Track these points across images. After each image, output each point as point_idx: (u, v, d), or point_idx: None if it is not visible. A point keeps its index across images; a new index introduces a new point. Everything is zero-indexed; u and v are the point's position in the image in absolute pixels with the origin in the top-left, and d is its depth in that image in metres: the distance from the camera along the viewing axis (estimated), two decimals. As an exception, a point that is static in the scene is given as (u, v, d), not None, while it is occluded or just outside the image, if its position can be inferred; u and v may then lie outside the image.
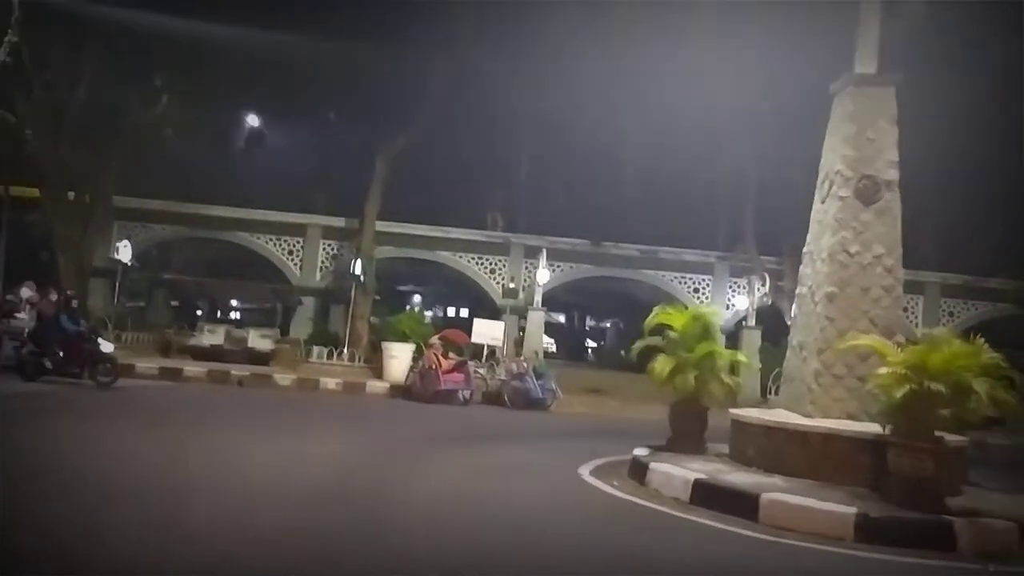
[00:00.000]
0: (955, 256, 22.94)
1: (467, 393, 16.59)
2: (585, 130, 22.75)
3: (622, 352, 37.81)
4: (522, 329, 22.89)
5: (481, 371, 17.96)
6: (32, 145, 18.99)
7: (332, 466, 7.83)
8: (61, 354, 13.07)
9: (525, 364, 17.18)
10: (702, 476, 7.26)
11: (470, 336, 18.82)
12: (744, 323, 20.94)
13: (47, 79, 18.99)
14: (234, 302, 26.52)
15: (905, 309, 23.23)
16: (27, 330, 14.05)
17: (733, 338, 23.83)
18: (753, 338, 20.60)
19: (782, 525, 6.28)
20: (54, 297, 14.71)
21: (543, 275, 20.96)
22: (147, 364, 16.96)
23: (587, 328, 46.92)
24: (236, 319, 26.18)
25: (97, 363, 13.20)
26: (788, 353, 9.08)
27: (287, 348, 20.46)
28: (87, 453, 7.48)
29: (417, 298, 41.37)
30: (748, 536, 6.10)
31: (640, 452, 8.50)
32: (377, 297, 28.60)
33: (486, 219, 24.47)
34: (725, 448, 8.89)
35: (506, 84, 20.45)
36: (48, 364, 13.01)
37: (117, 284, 20.09)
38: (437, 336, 17.28)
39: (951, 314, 23.34)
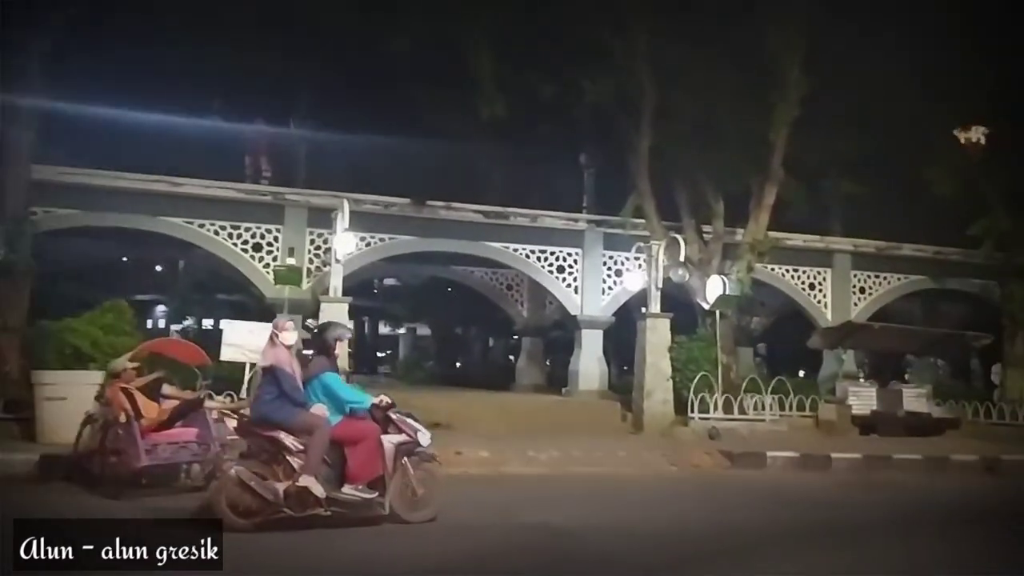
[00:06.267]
0: (864, 220, 18.30)
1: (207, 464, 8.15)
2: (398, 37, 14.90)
3: (425, 364, 30.48)
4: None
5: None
6: None
7: None
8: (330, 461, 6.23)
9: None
10: None
11: (209, 352, 10.21)
12: (645, 309, 14.34)
13: None
14: None
15: (811, 286, 18.33)
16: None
17: (621, 331, 17.38)
18: (660, 330, 14.04)
19: None
20: (289, 334, 6.69)
21: (344, 242, 12.71)
22: None
23: (379, 336, 39.93)
24: None
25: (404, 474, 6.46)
26: None
27: None
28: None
29: (161, 308, 31.06)
30: None
31: None
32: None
33: (243, 167, 15.59)
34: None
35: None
36: (317, 488, 6.04)
37: None
38: (129, 355, 8.41)
39: (862, 289, 18.68)
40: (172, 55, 14.31)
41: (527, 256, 16.68)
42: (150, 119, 14.32)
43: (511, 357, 26.59)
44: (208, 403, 8.33)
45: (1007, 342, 16.19)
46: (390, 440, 6.44)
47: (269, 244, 14.78)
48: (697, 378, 13.59)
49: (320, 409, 6.39)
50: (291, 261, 13.45)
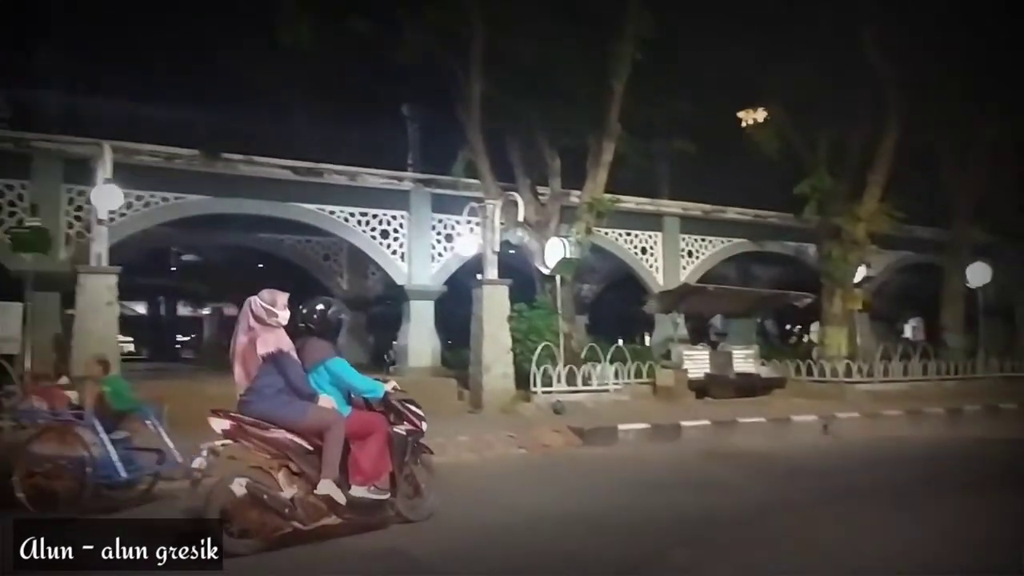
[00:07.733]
0: (690, 184, 18.15)
1: None
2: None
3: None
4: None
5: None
6: None
7: None
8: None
9: (71, 395, 6.79)
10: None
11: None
12: (480, 276, 12.95)
13: None
14: None
15: (644, 250, 17.96)
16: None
17: (448, 302, 15.88)
18: (498, 298, 12.73)
19: None
20: (285, 312, 5.29)
21: (105, 196, 10.09)
22: None
23: (179, 318, 36.08)
24: None
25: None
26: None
27: None
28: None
29: None
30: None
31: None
32: None
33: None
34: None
35: None
36: (339, 494, 5.10)
37: None
38: None
39: (690, 253, 18.60)
40: None
41: (346, 220, 14.71)
42: None
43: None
44: None
45: (825, 301, 16.66)
46: (399, 431, 5.53)
47: (12, 203, 11.69)
48: (539, 349, 12.46)
49: (328, 401, 5.27)
50: (35, 222, 10.55)
